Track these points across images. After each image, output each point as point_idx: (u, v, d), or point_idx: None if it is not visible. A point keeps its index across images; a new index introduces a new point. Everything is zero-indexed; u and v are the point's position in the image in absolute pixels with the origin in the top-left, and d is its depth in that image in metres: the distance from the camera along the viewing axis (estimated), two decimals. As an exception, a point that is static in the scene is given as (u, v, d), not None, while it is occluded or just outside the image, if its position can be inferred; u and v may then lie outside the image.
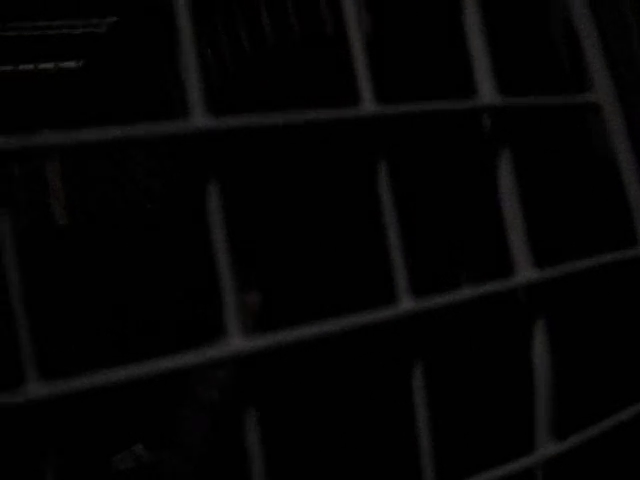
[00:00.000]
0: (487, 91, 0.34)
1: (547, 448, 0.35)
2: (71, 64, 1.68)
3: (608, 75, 0.39)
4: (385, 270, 0.31)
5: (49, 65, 1.64)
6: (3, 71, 1.57)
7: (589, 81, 0.42)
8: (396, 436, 0.95)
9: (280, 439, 0.97)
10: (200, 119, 0.26)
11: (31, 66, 1.63)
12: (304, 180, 1.07)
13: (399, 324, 0.30)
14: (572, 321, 0.86)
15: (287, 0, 1.15)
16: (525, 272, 0.35)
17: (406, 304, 0.30)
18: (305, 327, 0.27)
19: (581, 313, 0.90)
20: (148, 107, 1.46)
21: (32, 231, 1.48)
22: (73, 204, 1.53)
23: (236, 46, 1.21)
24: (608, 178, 0.88)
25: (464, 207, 0.99)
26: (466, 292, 0.32)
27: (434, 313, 0.31)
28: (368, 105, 0.31)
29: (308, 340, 0.27)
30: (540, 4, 0.93)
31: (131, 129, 0.26)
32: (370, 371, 0.99)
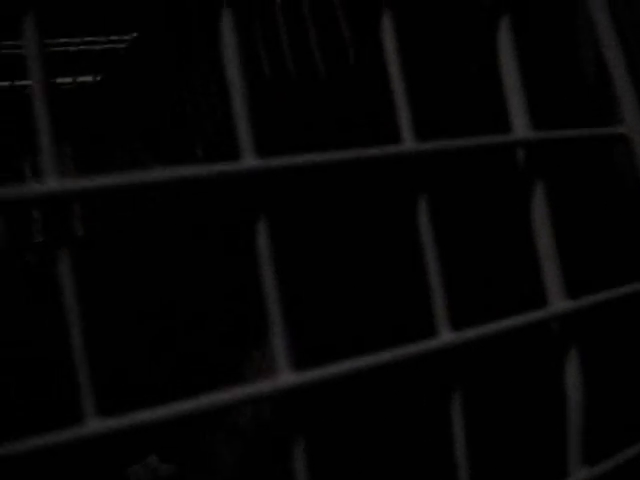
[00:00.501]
0: (521, 125, 0.35)
1: (579, 476, 0.35)
2: (88, 78, 1.69)
3: (637, 107, 0.40)
4: (424, 303, 0.32)
5: (67, 79, 1.66)
6: (24, 86, 1.59)
7: (617, 111, 0.42)
8: (435, 467, 0.96)
9: (323, 470, 0.98)
10: (250, 160, 0.27)
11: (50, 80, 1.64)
12: (345, 218, 1.08)
13: (439, 356, 0.31)
14: (599, 350, 0.86)
15: (309, 27, 1.16)
16: (559, 302, 0.35)
17: (445, 336, 0.31)
18: (352, 361, 0.28)
19: (606, 342, 0.91)
20: (163, 123, 1.48)
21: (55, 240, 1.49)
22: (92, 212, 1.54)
23: (256, 70, 1.22)
24: (635, 208, 0.89)
25: (497, 239, 1.00)
26: (503, 323, 0.33)
27: (472, 345, 0.31)
28: (409, 143, 0.32)
29: (356, 373, 0.28)
30: (568, 34, 0.93)
31: (183, 170, 0.26)
32: (409, 402, 1.00)
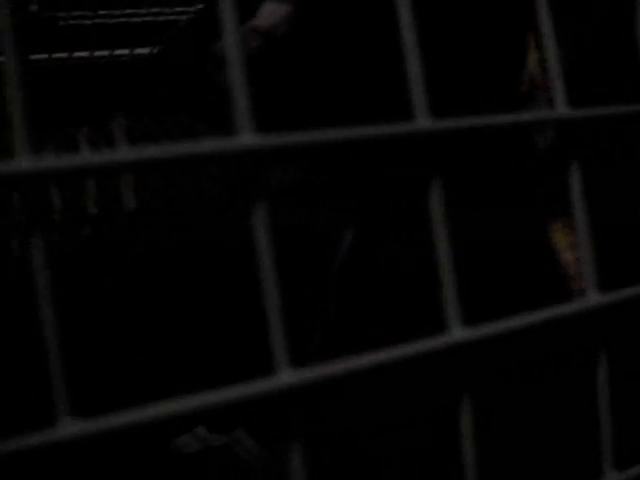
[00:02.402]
0: (558, 103, 0.33)
1: (612, 478, 0.34)
2: (145, 50, 1.69)
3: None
4: (433, 296, 0.30)
5: (124, 51, 1.66)
6: (80, 57, 1.59)
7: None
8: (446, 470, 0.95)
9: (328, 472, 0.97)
10: (248, 136, 0.26)
11: (106, 52, 1.65)
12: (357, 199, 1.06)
13: (450, 354, 0.29)
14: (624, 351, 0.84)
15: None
16: (594, 295, 0.33)
17: (457, 333, 0.30)
18: (357, 358, 0.27)
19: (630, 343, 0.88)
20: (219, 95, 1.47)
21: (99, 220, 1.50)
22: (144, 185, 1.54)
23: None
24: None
25: (510, 225, 0.97)
26: (528, 318, 0.31)
27: (493, 340, 0.30)
28: (423, 121, 0.30)
29: (361, 371, 0.26)
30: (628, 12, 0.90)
31: (192, 147, 0.25)
32: (422, 400, 0.98)
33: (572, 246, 0.88)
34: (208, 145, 0.24)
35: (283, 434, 0.25)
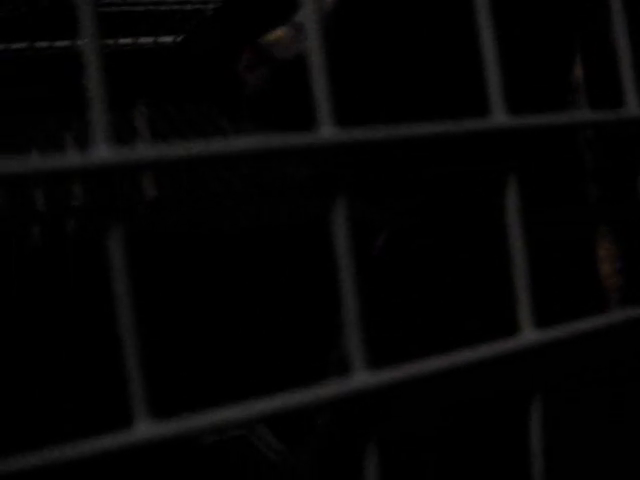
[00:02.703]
0: (632, 102, 0.32)
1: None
2: (168, 39, 1.68)
3: None
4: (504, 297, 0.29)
5: (148, 40, 1.65)
6: (104, 45, 1.58)
7: None
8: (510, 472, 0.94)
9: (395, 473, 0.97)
10: (328, 129, 0.25)
11: (129, 40, 1.64)
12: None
13: (520, 356, 0.28)
14: None
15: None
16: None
17: (529, 335, 0.29)
18: (429, 361, 0.26)
19: None
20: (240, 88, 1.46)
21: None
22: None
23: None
24: None
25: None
26: (599, 320, 0.30)
27: (562, 342, 0.29)
28: (499, 117, 0.30)
29: (433, 374, 0.26)
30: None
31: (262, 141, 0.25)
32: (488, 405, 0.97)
33: (611, 257, 0.86)
34: (290, 139, 0.23)
35: (359, 435, 0.24)
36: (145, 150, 0.21)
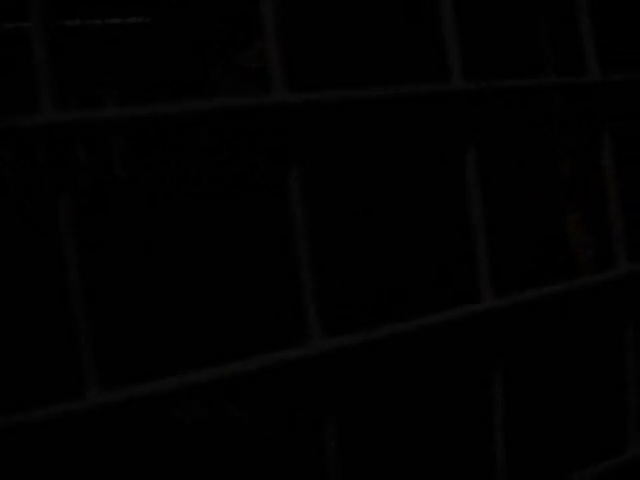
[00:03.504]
0: (594, 68, 0.32)
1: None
2: (137, 20, 1.67)
3: None
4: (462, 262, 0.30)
5: (116, 20, 1.64)
6: (73, 26, 1.57)
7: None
8: (470, 439, 0.94)
9: (354, 440, 0.97)
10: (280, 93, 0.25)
11: (99, 21, 1.63)
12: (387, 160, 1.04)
13: (479, 322, 0.29)
14: None
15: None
16: (623, 264, 0.33)
17: (488, 301, 0.29)
18: (386, 326, 0.26)
19: None
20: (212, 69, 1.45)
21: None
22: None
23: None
24: None
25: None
26: (556, 287, 0.30)
27: (523, 307, 0.29)
28: (457, 79, 0.30)
29: (389, 339, 0.26)
30: None
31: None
32: (445, 371, 0.97)
33: (582, 227, 0.87)
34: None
35: (317, 402, 0.25)
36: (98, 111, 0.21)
